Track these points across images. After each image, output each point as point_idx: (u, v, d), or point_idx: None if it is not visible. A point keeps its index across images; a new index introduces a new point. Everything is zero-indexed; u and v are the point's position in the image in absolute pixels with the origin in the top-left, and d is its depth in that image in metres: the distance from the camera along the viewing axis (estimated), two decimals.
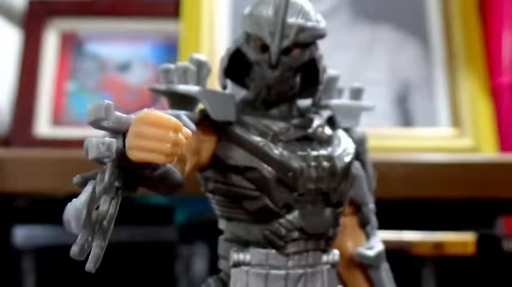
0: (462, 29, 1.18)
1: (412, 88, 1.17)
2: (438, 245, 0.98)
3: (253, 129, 0.57)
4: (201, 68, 0.57)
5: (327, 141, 0.58)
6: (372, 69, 1.15)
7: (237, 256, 0.55)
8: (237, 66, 0.59)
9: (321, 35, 0.57)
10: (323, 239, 0.57)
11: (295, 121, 0.58)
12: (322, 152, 0.57)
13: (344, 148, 0.58)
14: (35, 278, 1.08)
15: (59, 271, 1.11)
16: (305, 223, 0.55)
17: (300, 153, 0.56)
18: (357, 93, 0.65)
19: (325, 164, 0.56)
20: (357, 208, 0.64)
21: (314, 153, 0.56)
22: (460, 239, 0.99)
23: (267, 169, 0.54)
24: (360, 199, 0.63)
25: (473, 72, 1.15)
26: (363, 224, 0.64)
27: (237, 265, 0.56)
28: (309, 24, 0.56)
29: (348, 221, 0.63)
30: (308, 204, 0.56)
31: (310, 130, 0.58)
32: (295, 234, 0.55)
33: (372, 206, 0.65)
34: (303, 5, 0.56)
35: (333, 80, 0.64)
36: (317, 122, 0.59)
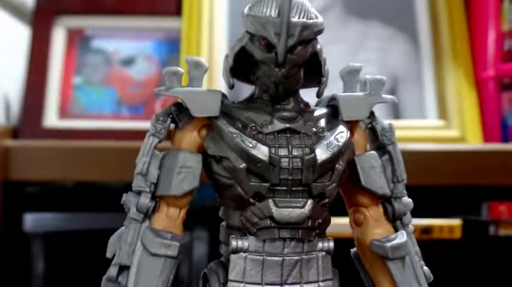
0: (449, 25, 1.17)
1: (401, 82, 1.16)
2: (426, 230, 0.97)
3: (238, 121, 0.56)
4: (196, 69, 0.57)
5: (315, 134, 0.57)
6: (363, 64, 1.14)
7: (235, 242, 0.55)
8: (241, 64, 0.58)
9: (321, 30, 0.56)
10: (300, 229, 0.55)
11: (284, 114, 0.57)
12: (305, 144, 0.55)
13: (331, 141, 0.56)
14: (43, 261, 1.08)
15: (66, 255, 1.11)
16: (277, 212, 0.54)
17: (277, 145, 0.55)
18: (375, 85, 0.60)
19: (304, 156, 0.54)
20: (378, 199, 0.60)
21: (294, 145, 0.55)
22: (447, 225, 0.99)
23: (237, 160, 0.54)
24: (377, 190, 0.58)
25: (459, 66, 1.14)
26: (387, 216, 0.60)
27: (236, 251, 0.55)
28: (311, 21, 0.54)
29: (369, 213, 0.60)
30: (284, 194, 0.55)
31: (294, 123, 0.56)
32: (267, 222, 0.54)
33: (400, 197, 0.60)
34: (303, 3, 0.55)
35: (356, 71, 0.61)
36: (309, 115, 0.58)
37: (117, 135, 1.08)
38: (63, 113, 1.15)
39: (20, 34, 1.28)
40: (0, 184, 1.03)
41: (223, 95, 0.57)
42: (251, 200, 0.55)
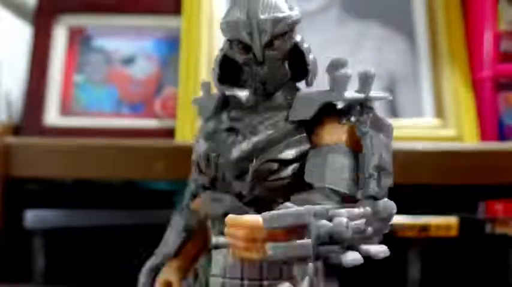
0: (446, 25, 1.17)
1: (398, 81, 1.16)
2: (423, 228, 0.97)
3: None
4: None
5: (250, 133, 0.57)
6: (361, 63, 1.14)
7: (215, 239, 0.56)
8: (228, 72, 0.60)
9: (296, 22, 0.57)
10: (224, 224, 0.53)
11: (232, 114, 0.59)
12: (235, 143, 0.57)
13: (250, 141, 0.56)
14: (44, 258, 1.08)
15: (66, 251, 1.10)
16: (208, 204, 0.59)
17: (217, 142, 0.58)
18: (340, 81, 0.56)
19: (225, 154, 0.57)
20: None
21: (227, 144, 0.57)
22: (444, 223, 0.99)
23: (195, 154, 0.60)
24: (315, 183, 0.53)
25: (456, 66, 1.14)
26: None
27: (216, 247, 0.56)
28: (281, 15, 0.56)
29: None
30: (218, 188, 0.58)
31: (237, 122, 0.58)
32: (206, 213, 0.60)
33: (371, 197, 0.52)
34: (270, 0, 0.56)
35: (340, 66, 0.56)
36: (260, 114, 0.58)
37: (117, 133, 1.08)
38: (64, 110, 1.15)
39: (22, 32, 1.28)
40: (1, 180, 1.03)
41: (227, 97, 0.62)
42: (200, 190, 0.60)
